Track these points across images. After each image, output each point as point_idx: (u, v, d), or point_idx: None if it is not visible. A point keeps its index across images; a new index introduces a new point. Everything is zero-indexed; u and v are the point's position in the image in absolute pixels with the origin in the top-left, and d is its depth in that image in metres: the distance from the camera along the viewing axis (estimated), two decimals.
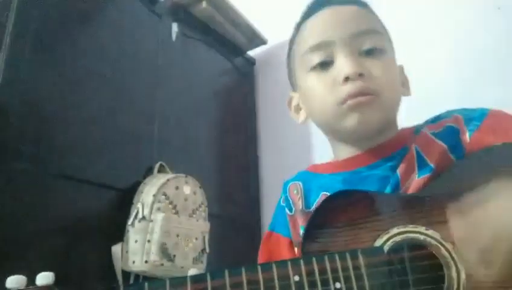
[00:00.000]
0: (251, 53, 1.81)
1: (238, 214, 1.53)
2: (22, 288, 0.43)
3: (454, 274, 0.46)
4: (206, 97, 1.55)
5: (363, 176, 0.64)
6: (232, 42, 1.68)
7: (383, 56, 0.63)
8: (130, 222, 1.07)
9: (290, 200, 0.70)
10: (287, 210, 0.71)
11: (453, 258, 0.46)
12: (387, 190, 0.60)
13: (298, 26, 0.70)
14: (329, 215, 0.51)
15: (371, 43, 0.63)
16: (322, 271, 0.45)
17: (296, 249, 0.69)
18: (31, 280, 0.42)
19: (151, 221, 1.06)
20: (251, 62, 1.82)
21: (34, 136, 0.95)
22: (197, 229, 1.15)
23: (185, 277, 0.44)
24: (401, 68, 0.71)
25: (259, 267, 0.45)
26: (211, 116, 1.55)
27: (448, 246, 0.47)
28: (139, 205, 1.08)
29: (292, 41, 0.72)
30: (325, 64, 0.64)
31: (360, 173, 0.64)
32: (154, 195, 1.07)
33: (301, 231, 0.66)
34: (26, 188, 0.91)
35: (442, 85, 1.28)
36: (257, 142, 1.74)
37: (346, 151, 0.68)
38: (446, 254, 0.47)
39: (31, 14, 0.99)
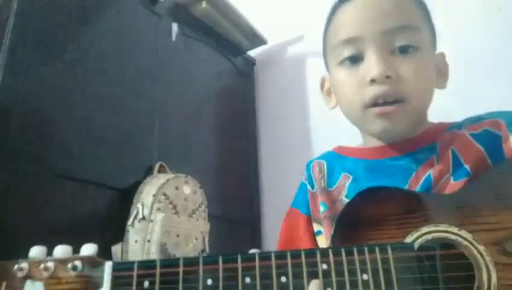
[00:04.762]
0: (251, 53, 1.81)
1: (238, 214, 1.53)
2: (68, 257, 0.44)
3: (485, 276, 0.45)
4: (206, 97, 1.55)
5: (386, 165, 0.63)
6: (232, 42, 1.68)
7: (417, 54, 0.60)
8: (130, 222, 1.07)
9: (313, 178, 0.71)
10: (309, 187, 0.71)
11: (484, 260, 0.46)
12: (419, 187, 0.59)
13: (334, 9, 0.67)
14: (361, 209, 0.51)
15: (405, 40, 0.59)
16: (350, 262, 0.45)
17: (314, 225, 0.69)
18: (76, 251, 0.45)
19: (151, 221, 1.06)
20: (251, 62, 1.82)
21: (34, 136, 0.95)
22: (197, 229, 1.15)
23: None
24: (442, 56, 0.67)
25: (288, 253, 0.46)
26: (211, 116, 1.54)
27: (480, 247, 0.46)
28: (139, 205, 1.08)
29: (327, 22, 0.68)
30: (355, 59, 0.62)
31: (383, 162, 0.64)
32: (154, 195, 1.07)
33: (321, 208, 0.67)
34: (26, 188, 0.91)
35: None
36: (257, 142, 1.75)
37: (373, 141, 0.67)
38: (477, 255, 0.46)
39: (31, 14, 0.99)
